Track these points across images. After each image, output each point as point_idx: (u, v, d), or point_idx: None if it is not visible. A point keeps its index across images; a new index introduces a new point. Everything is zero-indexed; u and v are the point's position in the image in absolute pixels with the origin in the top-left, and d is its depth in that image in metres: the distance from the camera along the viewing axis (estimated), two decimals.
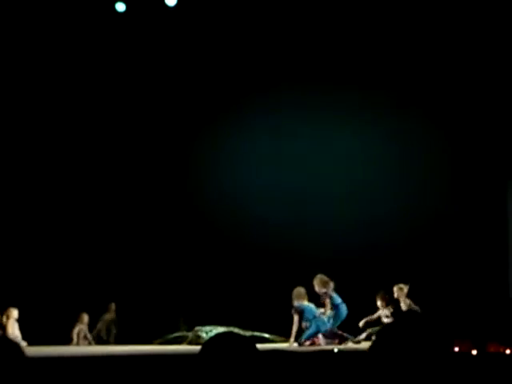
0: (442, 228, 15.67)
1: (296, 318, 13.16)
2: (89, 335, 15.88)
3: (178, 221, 16.92)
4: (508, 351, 6.49)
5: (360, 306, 13.93)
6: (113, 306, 16.19)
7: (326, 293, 13.06)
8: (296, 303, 13.18)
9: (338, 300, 13.37)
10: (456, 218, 15.66)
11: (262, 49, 16.72)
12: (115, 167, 17.09)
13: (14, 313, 14.94)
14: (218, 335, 5.03)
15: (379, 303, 13.19)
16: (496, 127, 15.69)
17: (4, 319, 14.89)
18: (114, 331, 16.06)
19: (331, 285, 13.20)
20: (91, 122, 17.02)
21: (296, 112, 16.57)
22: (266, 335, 14.54)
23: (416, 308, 12.38)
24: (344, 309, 13.33)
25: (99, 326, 16.09)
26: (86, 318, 15.90)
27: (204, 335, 14.18)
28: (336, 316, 13.19)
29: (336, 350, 7.62)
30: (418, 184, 16.07)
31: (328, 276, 13.91)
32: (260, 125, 16.70)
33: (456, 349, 6.76)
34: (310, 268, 15.53)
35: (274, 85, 16.62)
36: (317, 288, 13.13)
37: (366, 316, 13.76)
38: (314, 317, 13.05)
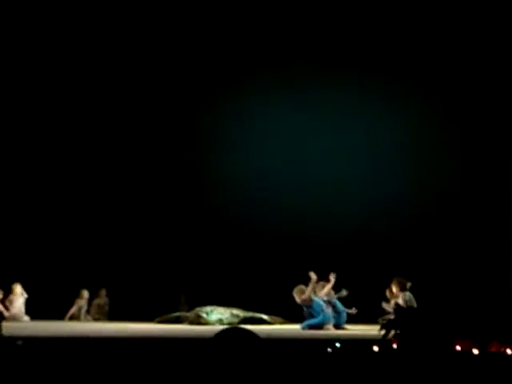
0: (442, 225, 15.78)
1: (305, 309, 13.36)
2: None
3: (179, 202, 16.93)
4: (510, 351, 6.57)
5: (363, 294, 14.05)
6: (103, 291, 16.30)
7: (305, 300, 13.28)
8: (298, 299, 13.34)
9: (341, 308, 13.62)
10: (456, 215, 15.76)
11: (267, 30, 16.62)
12: (117, 151, 17.00)
13: (18, 288, 15.25)
14: (225, 330, 5.12)
15: (394, 289, 13.27)
16: (503, 113, 15.74)
17: (11, 296, 15.23)
18: (105, 314, 16.16)
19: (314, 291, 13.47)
20: (97, 106, 16.92)
21: (304, 96, 16.56)
22: (265, 316, 14.66)
23: (414, 304, 12.57)
24: (344, 316, 13.58)
25: (92, 310, 16.18)
26: (86, 294, 16.00)
27: (205, 315, 14.31)
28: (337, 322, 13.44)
29: (338, 345, 7.72)
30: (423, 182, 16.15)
31: (331, 262, 14.12)
32: (261, 110, 16.67)
33: (457, 348, 6.85)
34: (311, 250, 15.69)
35: (279, 67, 16.59)
36: (297, 298, 13.38)
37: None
38: (322, 310, 13.26)
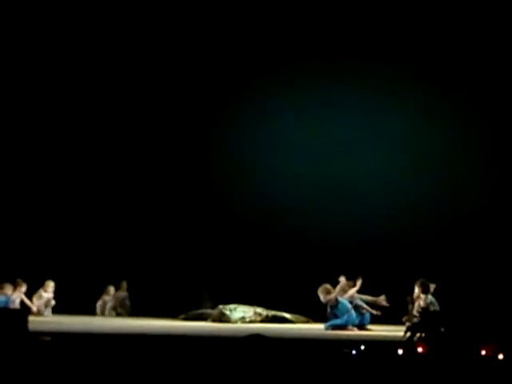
0: (470, 229, 15.66)
1: (329, 309, 13.36)
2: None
3: (205, 199, 16.96)
4: None
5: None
6: (124, 283, 16.45)
7: (330, 299, 13.30)
8: (324, 299, 13.33)
9: (365, 309, 13.62)
10: (484, 219, 15.64)
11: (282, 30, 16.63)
12: (136, 143, 17.12)
13: (51, 285, 15.45)
14: (248, 337, 5.14)
15: (416, 290, 13.19)
16: None
17: (41, 291, 15.44)
18: (127, 307, 16.33)
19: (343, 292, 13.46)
20: (111, 100, 17.10)
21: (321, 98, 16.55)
22: (287, 315, 14.70)
23: (436, 307, 12.47)
24: (368, 317, 13.62)
25: (113, 302, 16.33)
26: (111, 290, 16.25)
27: (228, 313, 14.38)
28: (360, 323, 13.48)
29: (363, 347, 7.74)
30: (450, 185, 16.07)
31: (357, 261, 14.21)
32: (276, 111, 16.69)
33: (482, 352, 6.83)
34: (333, 251, 15.70)
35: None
36: (322, 297, 13.37)
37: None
38: (347, 311, 13.27)
